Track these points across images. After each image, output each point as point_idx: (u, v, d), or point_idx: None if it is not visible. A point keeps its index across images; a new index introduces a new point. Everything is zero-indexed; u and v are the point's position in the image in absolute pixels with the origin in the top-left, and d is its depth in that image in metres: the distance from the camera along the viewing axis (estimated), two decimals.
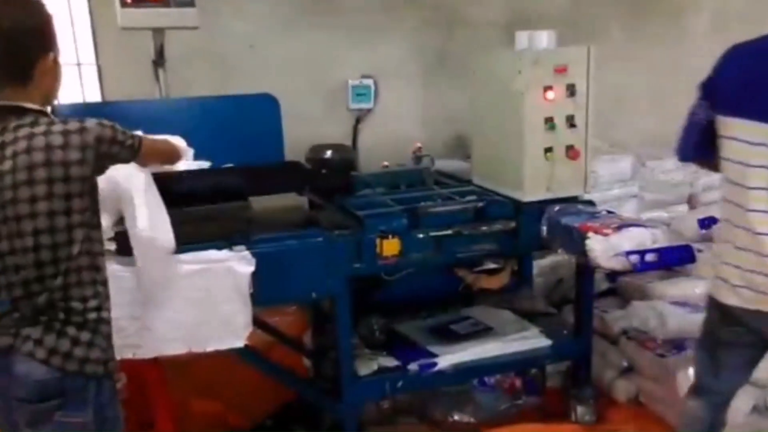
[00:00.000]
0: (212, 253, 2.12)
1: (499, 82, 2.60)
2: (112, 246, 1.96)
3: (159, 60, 2.76)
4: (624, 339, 2.90)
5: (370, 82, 4.01)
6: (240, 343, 2.12)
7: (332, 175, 2.90)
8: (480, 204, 2.46)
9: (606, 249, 2.18)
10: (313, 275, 2.29)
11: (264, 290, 2.18)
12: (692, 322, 2.69)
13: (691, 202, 3.99)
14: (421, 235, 2.38)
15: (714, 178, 4.08)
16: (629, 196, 3.82)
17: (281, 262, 2.23)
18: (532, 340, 2.66)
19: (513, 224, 2.47)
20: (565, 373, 2.95)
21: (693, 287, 2.91)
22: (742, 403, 2.53)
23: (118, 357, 1.92)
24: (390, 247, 2.36)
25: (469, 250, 2.49)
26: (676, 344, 2.69)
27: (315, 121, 3.87)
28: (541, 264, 3.38)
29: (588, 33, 3.74)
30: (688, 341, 2.70)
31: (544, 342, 2.65)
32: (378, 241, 2.36)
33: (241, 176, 2.32)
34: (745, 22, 4.72)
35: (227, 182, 2.27)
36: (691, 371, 2.51)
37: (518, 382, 2.89)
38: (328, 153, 2.99)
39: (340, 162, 2.99)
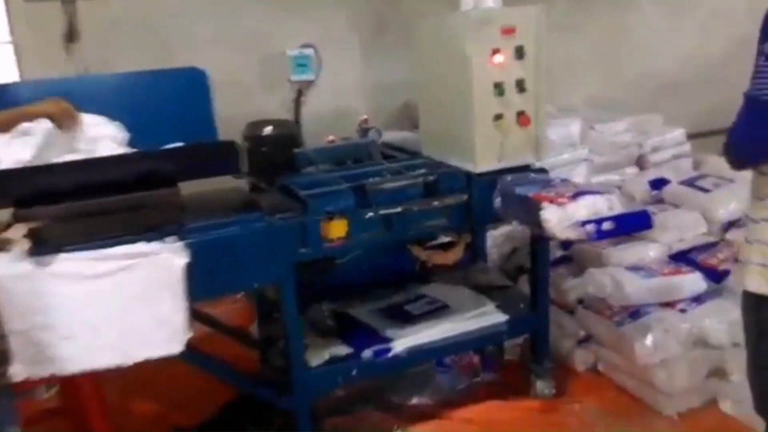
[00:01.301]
0: (140, 246, 1.92)
1: (444, 46, 2.46)
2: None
3: (71, 34, 2.48)
4: (580, 308, 2.84)
5: (310, 52, 3.81)
6: (179, 349, 1.93)
7: (272, 153, 2.72)
8: (430, 178, 2.33)
9: (562, 219, 2.08)
10: (255, 263, 2.12)
11: (201, 283, 1.99)
12: (648, 287, 2.68)
13: (640, 163, 3.97)
14: (369, 214, 2.23)
15: (663, 138, 4.12)
16: (579, 160, 3.76)
17: (218, 251, 2.05)
18: (488, 316, 2.57)
19: (465, 197, 2.35)
20: (522, 346, 2.89)
21: (647, 251, 2.88)
22: (700, 365, 2.52)
23: (38, 374, 1.73)
24: (336, 228, 2.21)
25: (421, 226, 2.36)
26: (632, 311, 2.65)
27: (253, 96, 3.66)
28: (494, 234, 3.30)
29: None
30: (644, 307, 2.67)
31: (500, 317, 2.56)
32: (323, 222, 2.20)
33: (168, 160, 2.11)
34: None
35: (153, 167, 2.06)
36: (649, 339, 2.48)
37: (476, 359, 2.81)
38: (268, 129, 2.79)
39: (281, 138, 2.80)
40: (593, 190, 2.16)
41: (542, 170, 2.49)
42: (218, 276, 2.07)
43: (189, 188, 2.22)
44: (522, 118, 2.37)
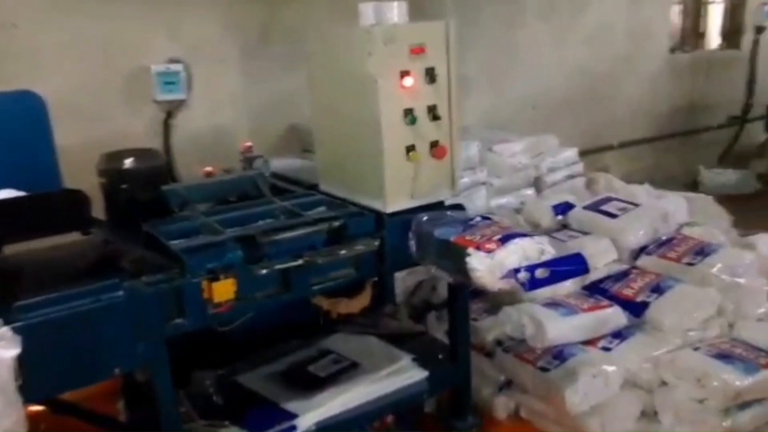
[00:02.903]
0: None
1: (343, 66, 2.11)
2: None
3: None
4: (500, 351, 2.60)
5: (179, 67, 3.31)
6: None
7: (135, 192, 2.24)
8: (336, 223, 1.96)
9: (491, 268, 1.80)
10: (115, 344, 1.65)
11: (40, 378, 1.51)
12: (571, 326, 2.49)
13: (537, 184, 3.86)
14: (263, 271, 1.82)
15: (557, 158, 4.05)
16: (478, 184, 3.58)
17: (63, 334, 1.57)
18: (406, 373, 2.24)
19: (377, 243, 2.00)
20: (440, 397, 2.59)
21: (561, 285, 2.69)
22: (629, 407, 2.35)
23: None
24: (222, 290, 1.78)
25: (326, 279, 1.98)
26: (556, 353, 2.44)
27: (110, 121, 3.10)
28: None
29: (424, 13, 3.40)
30: (567, 347, 2.47)
31: (419, 374, 2.24)
32: (206, 284, 1.77)
33: None
34: (570, 2, 4.73)
35: None
36: (579, 386, 2.28)
37: (390, 418, 2.47)
38: (129, 161, 2.30)
39: (146, 172, 2.31)
40: (521, 233, 1.91)
41: (458, 206, 2.21)
42: (65, 366, 1.58)
43: (23, 245, 1.70)
44: (436, 149, 2.07)
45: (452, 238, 1.92)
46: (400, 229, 2.05)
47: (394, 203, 2.05)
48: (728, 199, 4.05)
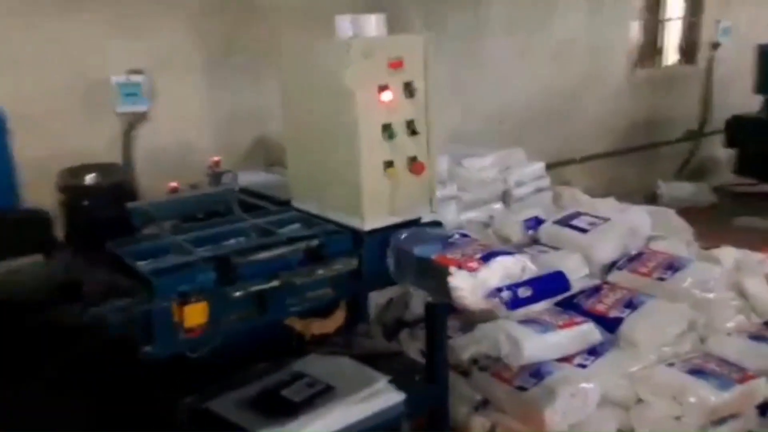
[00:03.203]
0: None
1: (319, 79, 2.05)
2: None
3: None
4: (476, 370, 2.56)
5: (141, 78, 3.19)
6: None
7: (97, 210, 2.13)
8: (314, 243, 1.89)
9: (474, 287, 1.76)
10: None
11: None
12: (547, 343, 2.47)
13: (505, 198, 3.87)
14: (238, 293, 1.74)
15: (524, 172, 4.07)
16: (448, 198, 3.55)
17: None
18: (383, 396, 2.17)
19: (355, 262, 1.94)
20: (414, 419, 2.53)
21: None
22: (606, 425, 2.33)
23: None
24: (194, 314, 1.69)
25: (303, 300, 1.91)
26: (533, 372, 2.41)
27: (68, 135, 2.96)
28: None
29: (389, 25, 3.38)
30: (543, 365, 2.45)
31: (397, 397, 2.17)
32: (176, 308, 1.67)
33: None
34: (537, 17, 4.80)
35: None
36: (558, 405, 2.25)
37: None
38: (90, 177, 2.20)
39: (109, 189, 2.22)
40: (503, 251, 1.87)
41: (437, 223, 2.16)
42: None
43: None
44: (415, 165, 2.03)
45: (433, 257, 1.87)
46: (378, 247, 1.99)
47: (372, 220, 2.00)
48: (686, 212, 4.13)
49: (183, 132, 3.39)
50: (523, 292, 1.79)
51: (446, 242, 1.96)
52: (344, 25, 2.02)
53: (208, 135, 3.49)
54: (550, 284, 1.86)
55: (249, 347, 2.34)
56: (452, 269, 1.80)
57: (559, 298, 2.63)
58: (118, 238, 2.01)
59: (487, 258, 1.81)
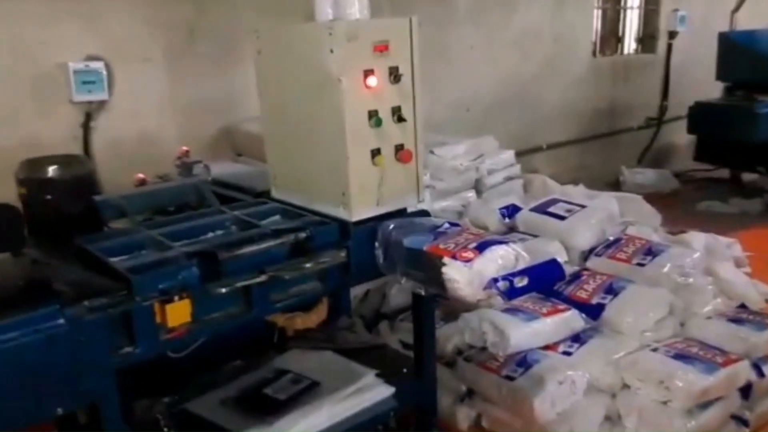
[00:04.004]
0: None
1: (301, 64, 1.95)
2: None
3: None
4: (461, 361, 2.52)
5: (100, 65, 3.03)
6: None
7: (62, 203, 1.99)
8: (302, 235, 1.80)
9: (471, 278, 1.71)
10: (56, 381, 1.43)
11: None
12: (533, 332, 2.44)
13: (477, 187, 3.84)
14: (223, 290, 1.64)
15: (496, 160, 4.05)
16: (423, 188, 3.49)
17: None
18: (371, 391, 2.11)
19: (344, 254, 1.86)
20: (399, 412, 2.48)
21: None
22: (594, 412, 2.33)
23: None
24: (177, 313, 1.58)
25: (289, 295, 1.82)
26: (519, 360, 2.39)
27: (20, 125, 2.78)
28: None
29: None
30: (529, 353, 2.43)
31: (385, 391, 2.12)
32: (158, 307, 1.57)
33: None
34: (503, 5, 4.77)
35: None
36: (547, 393, 2.23)
37: None
38: (53, 169, 2.05)
39: (74, 181, 2.07)
40: (496, 240, 1.82)
41: (424, 212, 2.11)
42: None
43: None
44: (402, 153, 1.96)
45: (425, 248, 1.81)
46: (365, 238, 1.92)
47: (359, 211, 1.92)
48: (649, 198, 4.17)
49: (143, 122, 3.25)
50: (519, 282, 1.75)
51: (436, 232, 1.90)
52: (324, 7, 1.93)
53: (171, 125, 3.35)
54: (545, 273, 1.82)
55: (228, 344, 2.25)
56: (446, 260, 1.74)
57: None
58: (86, 233, 1.88)
59: (481, 247, 1.76)
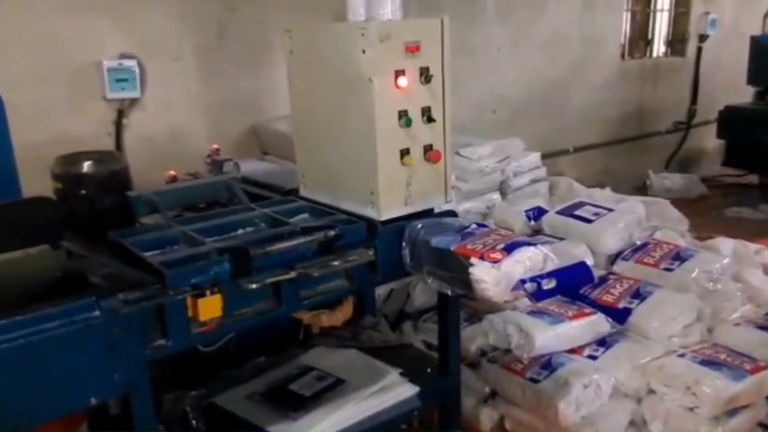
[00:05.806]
0: None
1: (332, 64, 1.97)
2: None
3: None
4: (485, 362, 2.52)
5: (133, 63, 3.08)
6: None
7: (96, 198, 2.04)
8: (331, 233, 1.81)
9: (498, 279, 1.71)
10: (90, 371, 1.47)
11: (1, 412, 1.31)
12: (558, 334, 2.44)
13: (502, 189, 3.83)
14: (254, 285, 1.67)
15: (522, 162, 4.04)
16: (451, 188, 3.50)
17: (31, 361, 1.37)
18: (396, 389, 2.12)
19: (371, 253, 1.88)
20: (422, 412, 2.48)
21: None
22: (619, 417, 2.31)
23: None
24: (209, 307, 1.61)
25: (317, 292, 1.84)
26: (543, 363, 2.38)
27: (53, 122, 2.84)
28: None
29: None
30: (554, 356, 2.42)
31: (410, 390, 2.13)
32: (190, 301, 1.59)
33: None
34: (530, 6, 4.75)
35: None
36: (573, 395, 2.22)
37: None
38: (88, 165, 2.09)
39: (108, 177, 2.12)
40: (525, 241, 1.82)
41: (451, 213, 2.11)
42: (32, 397, 1.39)
43: None
44: (431, 153, 1.97)
45: (452, 248, 1.82)
46: (393, 237, 1.93)
47: (387, 210, 1.93)
48: (676, 203, 4.13)
49: (174, 119, 3.30)
50: (547, 284, 1.74)
51: (464, 232, 1.90)
52: (356, 7, 1.95)
53: (200, 123, 3.39)
54: (574, 276, 1.82)
55: (254, 340, 2.29)
56: (474, 260, 1.75)
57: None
58: (119, 228, 1.92)
59: (510, 249, 1.76)
